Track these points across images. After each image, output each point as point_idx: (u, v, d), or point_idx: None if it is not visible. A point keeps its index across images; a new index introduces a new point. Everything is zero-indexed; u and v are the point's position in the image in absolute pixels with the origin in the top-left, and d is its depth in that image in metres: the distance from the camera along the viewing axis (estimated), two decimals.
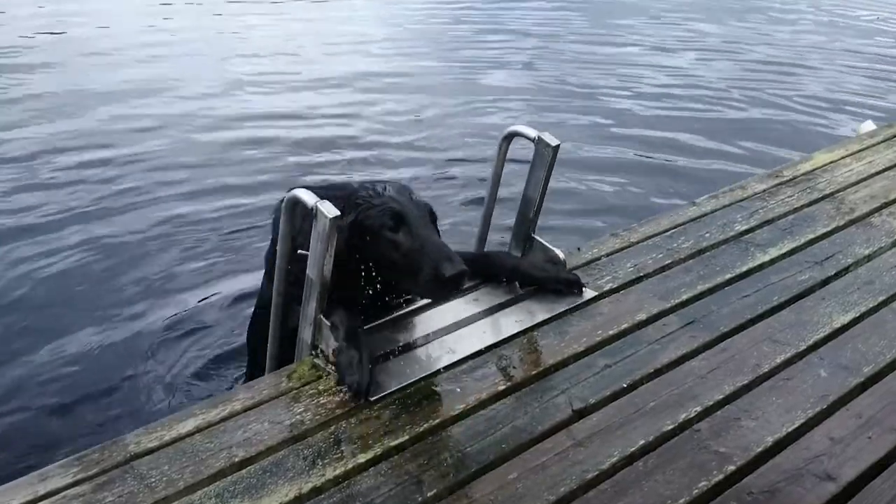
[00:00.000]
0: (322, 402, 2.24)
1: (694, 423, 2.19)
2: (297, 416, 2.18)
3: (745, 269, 2.96)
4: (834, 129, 6.92)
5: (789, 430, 2.17)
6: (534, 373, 2.40)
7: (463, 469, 2.02)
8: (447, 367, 2.40)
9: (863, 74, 8.84)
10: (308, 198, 2.28)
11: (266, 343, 2.64)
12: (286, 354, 2.55)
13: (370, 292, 2.57)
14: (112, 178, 5.94)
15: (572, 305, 2.72)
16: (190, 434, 2.11)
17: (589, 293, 2.78)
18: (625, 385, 2.34)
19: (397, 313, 2.66)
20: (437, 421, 2.18)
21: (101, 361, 3.74)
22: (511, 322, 2.64)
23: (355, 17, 12.22)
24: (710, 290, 2.83)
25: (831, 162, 3.97)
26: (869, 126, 4.82)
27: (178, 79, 8.54)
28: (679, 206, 3.63)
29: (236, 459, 2.02)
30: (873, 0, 13.62)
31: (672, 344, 2.52)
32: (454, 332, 2.59)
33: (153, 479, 1.95)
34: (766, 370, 2.41)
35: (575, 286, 2.78)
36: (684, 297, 2.78)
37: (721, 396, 2.29)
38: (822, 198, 3.56)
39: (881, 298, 2.80)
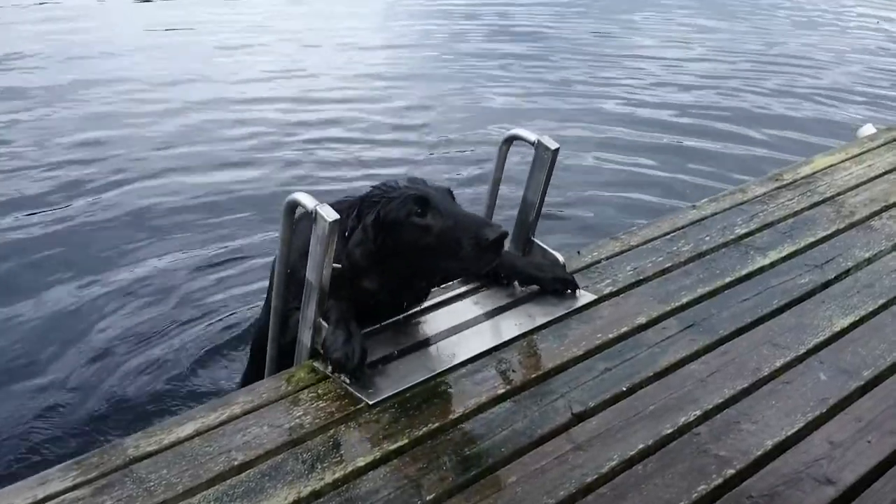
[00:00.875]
0: (321, 405, 2.24)
1: (693, 427, 2.19)
2: (297, 420, 2.18)
3: (745, 272, 2.96)
4: (834, 132, 6.91)
5: (789, 433, 2.16)
6: (533, 376, 2.39)
7: (462, 473, 2.01)
8: (447, 371, 2.40)
9: (863, 77, 8.84)
10: (307, 201, 2.28)
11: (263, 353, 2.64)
12: (286, 360, 2.56)
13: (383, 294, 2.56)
14: (106, 178, 5.98)
15: (572, 309, 2.72)
16: (189, 438, 2.11)
17: (588, 297, 2.78)
18: (624, 388, 2.33)
19: (396, 317, 2.66)
20: (436, 424, 2.18)
21: (100, 365, 3.74)
22: (511, 325, 2.64)
23: (357, 15, 12.23)
24: (710, 294, 2.83)
25: (831, 165, 3.97)
26: (869, 129, 4.82)
27: (172, 72, 8.65)
28: (679, 209, 3.63)
29: (235, 463, 2.02)
30: (874, 2, 13.62)
31: (672, 347, 2.51)
32: (454, 336, 2.59)
33: (152, 483, 1.95)
34: (766, 374, 2.40)
35: (570, 285, 2.78)
36: (684, 300, 2.78)
37: (721, 400, 2.29)
38: (823, 201, 3.56)
39: (881, 302, 2.80)
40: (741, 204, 3.51)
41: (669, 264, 3.01)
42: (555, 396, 2.30)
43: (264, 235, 4.94)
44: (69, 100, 7.81)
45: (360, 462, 2.04)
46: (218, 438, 2.11)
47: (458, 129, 7.17)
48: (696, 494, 1.96)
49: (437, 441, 2.13)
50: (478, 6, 12.87)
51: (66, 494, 1.92)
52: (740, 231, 3.26)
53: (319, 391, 2.30)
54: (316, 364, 2.41)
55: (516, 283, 2.83)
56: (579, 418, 2.21)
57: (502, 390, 2.32)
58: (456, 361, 2.44)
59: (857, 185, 3.74)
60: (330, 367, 2.34)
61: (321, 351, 2.39)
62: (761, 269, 2.99)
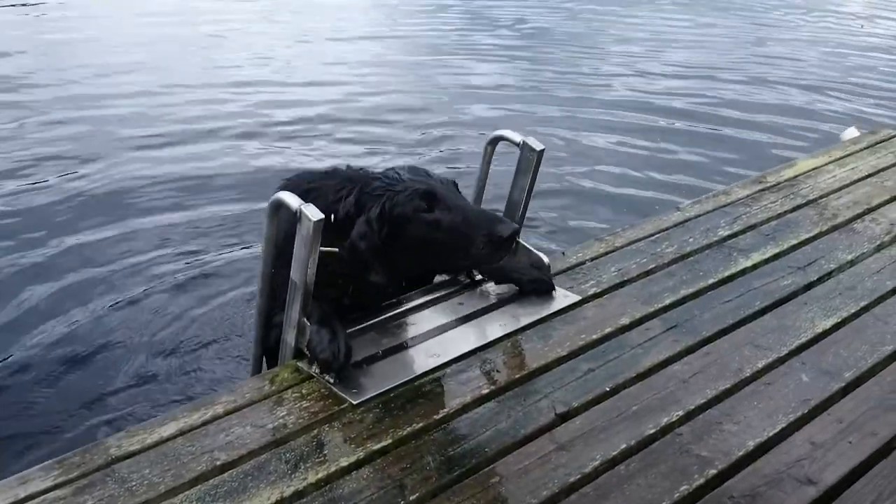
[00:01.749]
0: (305, 405, 2.24)
1: (676, 427, 2.20)
2: (280, 420, 2.18)
3: (727, 273, 2.98)
4: (817, 135, 6.96)
5: (770, 434, 2.17)
6: (517, 377, 2.40)
7: (446, 473, 2.02)
8: (431, 371, 2.40)
9: (846, 81, 8.89)
10: (292, 200, 2.28)
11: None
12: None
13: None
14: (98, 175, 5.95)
15: (556, 310, 2.72)
16: (172, 437, 2.10)
17: (573, 297, 2.78)
18: (607, 389, 2.34)
19: (381, 316, 2.66)
20: (420, 425, 2.18)
21: (81, 363, 3.71)
22: (495, 326, 2.65)
23: (348, 8, 12.24)
24: (693, 295, 2.84)
25: (815, 168, 4.00)
26: (852, 133, 4.85)
27: (166, 70, 8.66)
28: (663, 211, 3.65)
29: (218, 463, 2.01)
30: (857, 7, 13.72)
31: (655, 348, 2.53)
32: (438, 336, 2.59)
33: (134, 483, 1.94)
34: (748, 375, 2.42)
35: (546, 286, 2.79)
36: (667, 301, 2.79)
37: (703, 401, 2.30)
38: (806, 203, 3.59)
39: (863, 304, 2.82)
40: (725, 206, 3.52)
41: (653, 266, 3.02)
42: (539, 397, 2.31)
43: (250, 230, 4.93)
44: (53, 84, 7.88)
45: (344, 462, 2.04)
46: (200, 438, 2.10)
47: (444, 127, 7.17)
48: (678, 495, 1.97)
49: (420, 441, 2.13)
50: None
51: (47, 494, 1.92)
52: (724, 233, 3.28)
53: (303, 391, 2.30)
54: (300, 364, 2.40)
55: (494, 283, 2.84)
56: (563, 418, 2.22)
57: (486, 391, 2.33)
58: (440, 362, 2.45)
59: (840, 188, 3.76)
60: (316, 367, 2.34)
61: (306, 351, 2.38)
62: (744, 271, 3.01)
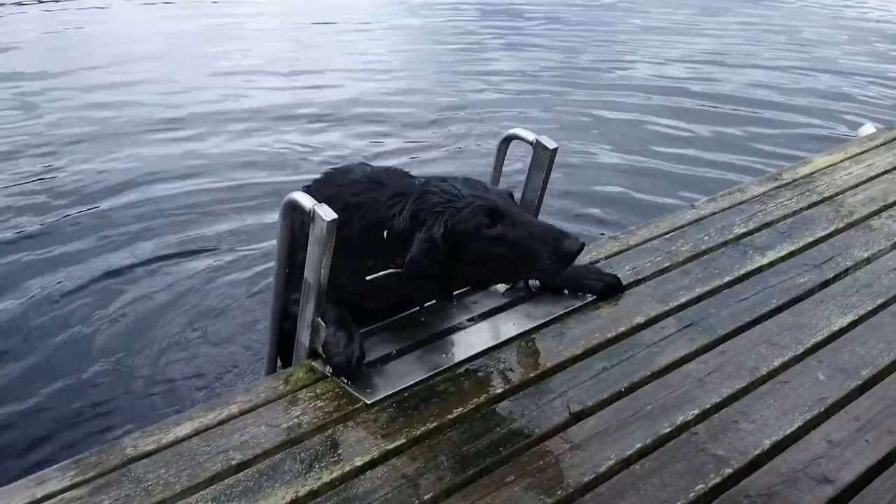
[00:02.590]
0: (319, 405, 2.24)
1: (691, 426, 2.19)
2: (295, 420, 2.18)
3: (743, 272, 2.96)
4: (833, 131, 6.91)
5: (787, 433, 2.16)
6: (531, 376, 2.40)
7: (460, 472, 2.01)
8: (445, 370, 2.40)
9: (862, 77, 8.83)
10: (305, 201, 2.29)
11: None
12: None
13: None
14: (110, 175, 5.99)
15: (570, 308, 2.72)
16: (187, 437, 2.11)
17: (587, 296, 2.77)
18: (622, 388, 2.33)
19: (395, 317, 2.66)
20: (434, 424, 2.18)
21: (98, 364, 3.73)
22: (509, 325, 2.64)
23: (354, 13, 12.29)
24: (709, 293, 2.83)
25: (830, 165, 3.97)
26: (868, 129, 4.83)
27: (174, 64, 8.82)
28: (678, 209, 3.63)
29: (233, 463, 2.02)
30: (873, 1, 13.61)
31: (670, 347, 2.51)
32: (452, 335, 2.59)
33: (150, 483, 1.96)
34: (764, 373, 2.40)
35: (619, 288, 2.81)
36: (682, 299, 2.78)
37: (719, 399, 2.28)
38: (821, 201, 3.56)
39: (880, 301, 2.79)
40: (740, 204, 3.50)
41: (668, 264, 3.01)
42: (553, 396, 2.30)
43: (264, 230, 4.94)
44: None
45: (358, 462, 2.04)
46: (216, 438, 2.11)
47: (457, 125, 7.18)
48: (693, 494, 1.96)
49: (434, 440, 2.13)
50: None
51: (64, 494, 1.93)
52: (739, 231, 3.26)
53: (317, 391, 2.30)
54: (314, 363, 2.41)
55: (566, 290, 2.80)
56: (577, 418, 2.21)
57: (500, 390, 2.33)
58: (454, 361, 2.45)
59: (856, 185, 3.74)
60: (330, 370, 2.34)
61: (321, 351, 2.39)
62: (760, 269, 2.99)
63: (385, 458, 2.06)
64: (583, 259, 2.99)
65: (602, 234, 3.96)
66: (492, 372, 2.41)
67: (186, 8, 11.61)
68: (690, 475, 2.02)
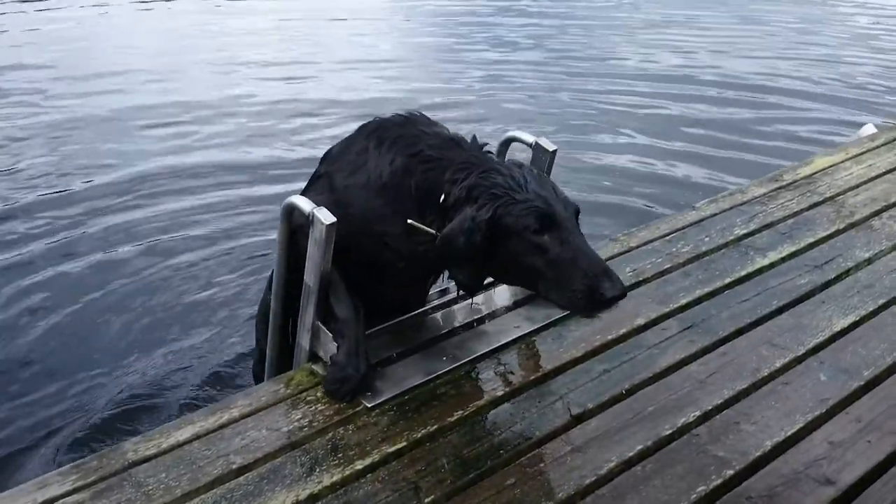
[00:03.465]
0: (320, 408, 2.24)
1: (693, 428, 2.19)
2: (295, 423, 2.18)
3: (744, 273, 2.96)
4: (834, 132, 6.91)
5: (788, 434, 2.16)
6: (532, 378, 2.39)
7: (461, 475, 2.01)
8: (445, 373, 2.40)
9: (863, 77, 8.83)
10: (304, 205, 2.28)
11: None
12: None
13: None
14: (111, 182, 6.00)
15: None
16: (188, 441, 2.11)
17: None
18: (623, 390, 2.33)
19: (396, 319, 2.66)
20: (435, 427, 2.18)
21: (98, 368, 3.73)
22: (510, 328, 2.64)
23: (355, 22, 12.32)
24: (710, 295, 2.82)
25: (831, 165, 3.97)
26: (870, 129, 4.81)
27: (177, 61, 9.00)
28: (679, 210, 3.63)
29: (234, 467, 2.02)
30: (874, 2, 13.61)
31: (671, 349, 2.51)
32: (453, 338, 2.58)
33: (151, 487, 1.96)
34: (766, 374, 2.40)
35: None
36: (683, 301, 2.77)
37: (720, 401, 2.28)
38: (823, 201, 3.56)
39: (881, 302, 2.79)
40: (741, 205, 3.50)
41: (668, 265, 3.00)
42: (554, 398, 2.30)
43: (262, 237, 4.95)
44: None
45: (359, 465, 2.04)
46: (217, 442, 2.11)
47: (458, 126, 7.17)
48: (695, 495, 1.96)
49: (435, 443, 2.13)
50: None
51: (66, 499, 1.93)
52: (740, 232, 3.26)
53: (318, 394, 2.30)
54: (315, 367, 2.41)
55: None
56: (578, 420, 2.21)
57: (501, 392, 2.32)
58: (455, 364, 2.44)
59: (857, 185, 3.74)
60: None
61: (322, 356, 2.38)
62: (761, 270, 2.99)
63: (386, 461, 2.06)
64: None
65: (603, 236, 3.95)
66: (492, 374, 2.41)
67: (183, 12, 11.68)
68: (691, 477, 2.01)
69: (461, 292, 2.52)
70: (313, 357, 2.44)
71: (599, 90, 8.42)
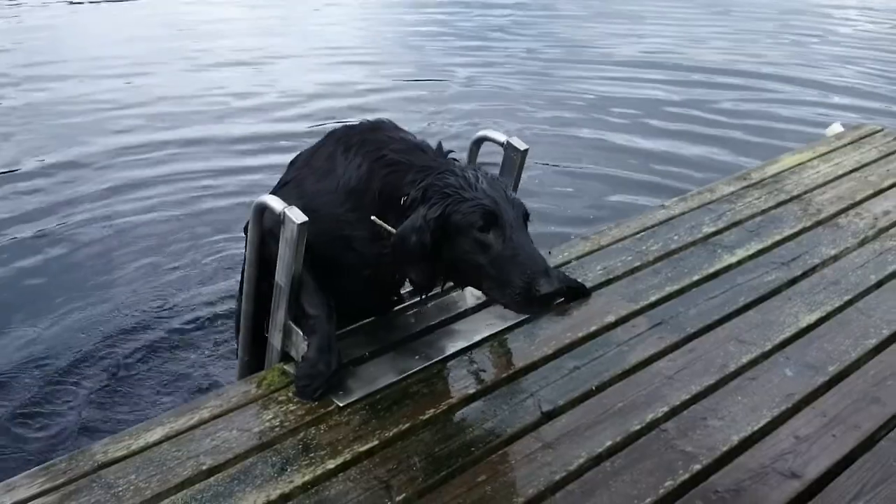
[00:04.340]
0: (291, 409, 2.24)
1: (661, 424, 2.21)
2: (266, 424, 2.18)
3: (712, 270, 2.99)
4: (801, 131, 6.98)
5: (755, 428, 2.19)
6: (504, 376, 2.41)
7: (432, 473, 2.02)
8: (417, 372, 2.41)
9: (830, 77, 8.93)
10: (276, 204, 2.28)
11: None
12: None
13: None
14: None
15: None
16: (158, 443, 2.11)
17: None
18: (593, 387, 2.35)
19: (369, 319, 2.66)
20: (406, 425, 2.19)
21: (67, 368, 3.69)
22: (482, 326, 2.65)
23: (330, 17, 12.30)
24: (679, 292, 2.86)
25: (799, 164, 4.02)
26: (836, 128, 4.87)
27: (148, 62, 8.90)
28: (648, 208, 3.66)
29: (204, 467, 2.02)
30: (841, 3, 13.77)
31: (640, 345, 2.54)
32: (425, 337, 2.60)
33: (120, 489, 1.95)
34: (733, 370, 2.43)
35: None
36: (652, 298, 2.80)
37: (688, 396, 2.31)
38: (790, 199, 3.61)
39: (847, 298, 2.83)
40: (709, 203, 3.54)
41: (638, 263, 3.03)
42: (525, 395, 2.32)
43: (234, 237, 4.93)
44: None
45: (331, 464, 2.04)
46: (187, 443, 2.11)
47: (431, 123, 7.19)
48: (663, 490, 1.98)
49: (407, 442, 2.14)
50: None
51: (34, 501, 1.92)
52: (708, 230, 3.30)
53: (289, 394, 2.30)
54: (286, 367, 2.41)
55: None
56: (548, 417, 2.23)
57: (473, 390, 2.34)
58: (427, 362, 2.45)
59: (824, 184, 3.79)
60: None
61: (294, 356, 2.38)
62: (729, 268, 3.02)
63: (357, 460, 2.07)
64: (556, 260, 3.03)
65: (573, 235, 3.98)
66: (464, 373, 2.42)
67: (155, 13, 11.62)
68: (660, 472, 2.04)
69: (423, 294, 2.55)
70: (285, 357, 2.44)
71: (573, 86, 8.47)
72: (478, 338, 2.59)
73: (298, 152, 2.63)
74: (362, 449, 2.09)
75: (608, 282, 2.91)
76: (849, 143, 4.34)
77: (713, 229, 3.31)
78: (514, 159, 2.78)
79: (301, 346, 2.36)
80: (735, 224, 3.36)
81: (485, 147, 2.88)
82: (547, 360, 2.49)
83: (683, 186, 4.84)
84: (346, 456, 2.07)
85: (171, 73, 8.55)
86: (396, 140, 2.46)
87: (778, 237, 3.25)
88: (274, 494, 1.94)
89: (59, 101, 7.52)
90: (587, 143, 6.86)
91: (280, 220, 2.26)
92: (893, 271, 3.00)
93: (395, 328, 2.63)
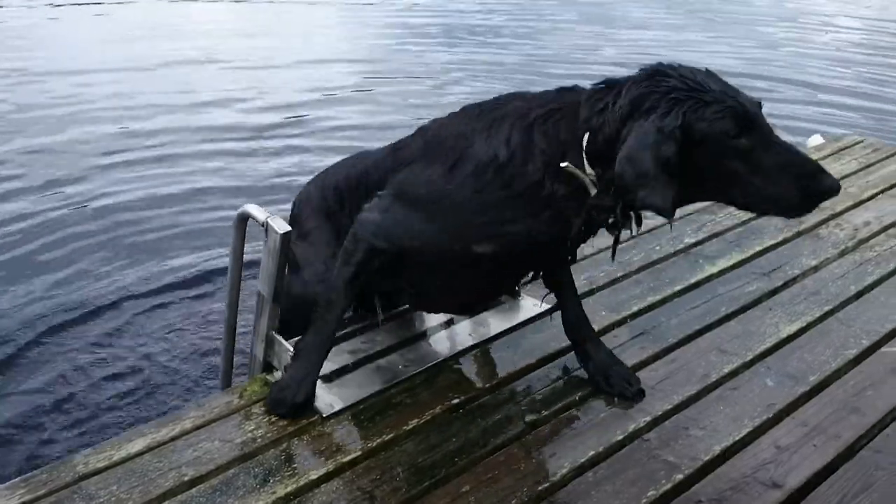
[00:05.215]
0: (274, 419, 2.23)
1: (643, 434, 2.22)
2: (249, 434, 2.17)
3: (693, 280, 3.02)
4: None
5: (736, 438, 2.20)
6: (488, 385, 2.41)
7: (416, 483, 2.02)
8: (401, 382, 2.41)
9: (811, 89, 9.02)
10: (258, 213, 2.28)
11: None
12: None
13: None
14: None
15: (526, 318, 2.74)
16: (140, 454, 2.09)
17: (542, 306, 2.80)
18: (577, 397, 2.36)
19: (353, 326, 2.65)
20: (390, 435, 2.18)
21: (47, 378, 3.65)
22: (466, 335, 2.66)
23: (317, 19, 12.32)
24: (660, 302, 2.87)
25: None
26: (817, 140, 4.93)
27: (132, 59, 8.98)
28: None
29: (186, 479, 2.00)
30: (822, 15, 13.92)
31: (622, 355, 2.54)
32: (409, 346, 2.60)
33: (102, 500, 1.93)
34: (714, 380, 2.45)
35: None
36: (634, 308, 2.82)
37: (670, 406, 2.32)
38: None
39: (827, 308, 2.86)
40: (691, 214, 3.56)
41: (621, 274, 3.05)
42: (508, 405, 2.32)
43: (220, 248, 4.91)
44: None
45: (314, 475, 2.04)
46: (168, 454, 2.09)
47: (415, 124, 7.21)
48: (645, 500, 1.98)
49: (390, 452, 2.13)
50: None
51: None
52: (690, 241, 3.32)
53: None
54: (269, 377, 2.40)
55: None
56: (532, 426, 2.23)
57: (457, 400, 2.34)
58: (411, 372, 2.45)
59: None
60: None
61: (280, 369, 2.37)
62: (710, 278, 3.05)
63: (340, 470, 2.06)
64: None
65: None
66: (448, 382, 2.42)
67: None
68: (642, 482, 2.04)
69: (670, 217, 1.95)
70: (267, 367, 2.43)
71: (564, 77, 8.48)
72: (461, 347, 2.59)
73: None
74: (345, 460, 2.09)
75: (590, 292, 2.93)
76: (829, 155, 4.39)
77: (695, 240, 3.33)
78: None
79: (284, 357, 2.36)
80: (716, 235, 3.39)
81: None
82: (531, 369, 2.49)
83: None
84: (329, 467, 2.06)
85: (152, 74, 8.55)
86: (535, 97, 2.11)
87: (759, 248, 3.28)
88: None
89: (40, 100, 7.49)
90: None
91: (263, 229, 2.26)
92: (873, 282, 3.04)
93: (379, 337, 2.62)
